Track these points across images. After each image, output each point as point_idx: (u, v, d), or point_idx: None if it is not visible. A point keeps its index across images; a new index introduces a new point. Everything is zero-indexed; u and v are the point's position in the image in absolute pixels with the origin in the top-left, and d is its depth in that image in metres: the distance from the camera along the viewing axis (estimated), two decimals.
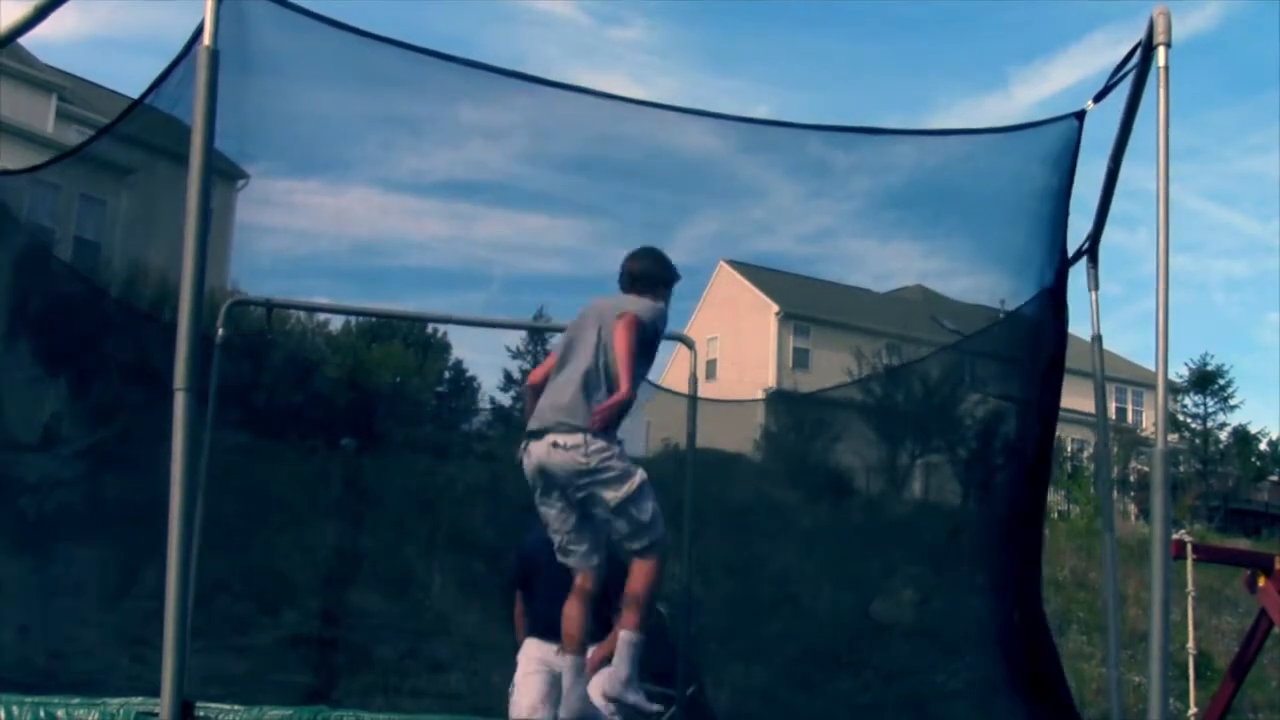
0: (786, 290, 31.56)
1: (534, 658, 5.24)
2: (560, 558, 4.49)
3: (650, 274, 4.60)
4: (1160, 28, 3.91)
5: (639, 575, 4.32)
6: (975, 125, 5.31)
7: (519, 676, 5.24)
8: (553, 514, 4.40)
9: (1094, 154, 4.99)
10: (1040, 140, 5.00)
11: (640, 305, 4.44)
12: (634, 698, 4.33)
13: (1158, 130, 3.86)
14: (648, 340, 4.47)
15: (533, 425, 4.36)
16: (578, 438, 4.21)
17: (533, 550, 5.49)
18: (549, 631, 5.04)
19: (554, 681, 4.97)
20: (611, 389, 4.33)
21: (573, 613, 4.44)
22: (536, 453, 4.31)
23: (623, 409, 4.29)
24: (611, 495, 4.24)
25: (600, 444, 4.24)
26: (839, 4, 69.69)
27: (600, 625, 4.83)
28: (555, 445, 4.25)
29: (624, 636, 4.34)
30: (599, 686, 4.44)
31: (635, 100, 4.87)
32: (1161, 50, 3.90)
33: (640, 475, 4.31)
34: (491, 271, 8.84)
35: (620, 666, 4.31)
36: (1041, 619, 6.01)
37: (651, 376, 8.65)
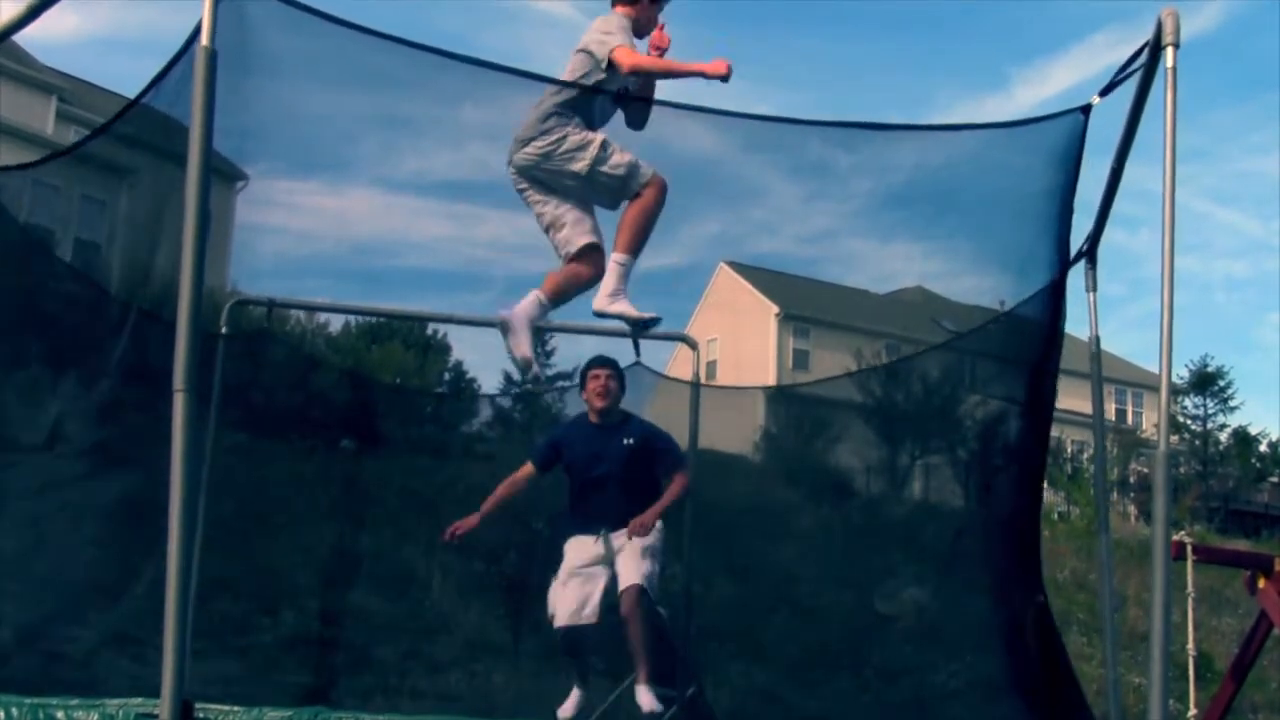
0: (786, 291, 31.57)
1: (571, 565, 5.78)
2: (560, 250, 4.68)
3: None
4: (1169, 28, 3.91)
5: (641, 202, 4.54)
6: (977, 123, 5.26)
7: (556, 587, 5.57)
8: (546, 213, 4.64)
9: (1094, 155, 4.99)
10: (1045, 136, 4.98)
11: (604, 24, 4.57)
12: (618, 307, 4.61)
13: (1164, 131, 3.85)
14: (626, 29, 4.61)
15: (518, 138, 4.61)
16: (533, 131, 4.49)
17: (567, 440, 6.17)
18: (585, 526, 5.76)
19: (589, 586, 5.61)
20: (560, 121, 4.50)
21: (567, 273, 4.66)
22: (515, 176, 4.63)
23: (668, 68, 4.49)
24: (579, 166, 4.47)
25: (551, 123, 4.47)
26: (839, 4, 69.67)
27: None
28: (523, 147, 4.53)
29: (615, 256, 4.59)
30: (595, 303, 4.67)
31: (634, 97, 4.85)
32: (1170, 51, 3.89)
33: (600, 135, 4.52)
34: (493, 272, 8.85)
35: (608, 281, 4.58)
36: (1048, 617, 6.00)
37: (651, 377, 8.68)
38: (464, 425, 11.40)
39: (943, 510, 9.63)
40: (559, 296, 4.68)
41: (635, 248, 4.60)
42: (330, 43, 4.37)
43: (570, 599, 5.67)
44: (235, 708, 4.31)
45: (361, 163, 6.44)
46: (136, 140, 5.81)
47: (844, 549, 9.18)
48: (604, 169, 4.49)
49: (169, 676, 3.34)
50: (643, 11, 4.70)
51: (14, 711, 4.04)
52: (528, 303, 4.60)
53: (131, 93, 4.90)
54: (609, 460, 6.10)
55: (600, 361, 6.36)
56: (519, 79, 4.65)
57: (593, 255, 4.68)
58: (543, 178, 4.59)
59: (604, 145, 4.51)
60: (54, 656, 6.61)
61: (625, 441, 6.17)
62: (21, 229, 6.64)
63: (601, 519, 5.97)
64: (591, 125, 4.61)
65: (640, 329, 4.86)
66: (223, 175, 6.06)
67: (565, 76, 4.61)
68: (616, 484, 6.07)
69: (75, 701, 4.05)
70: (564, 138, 4.48)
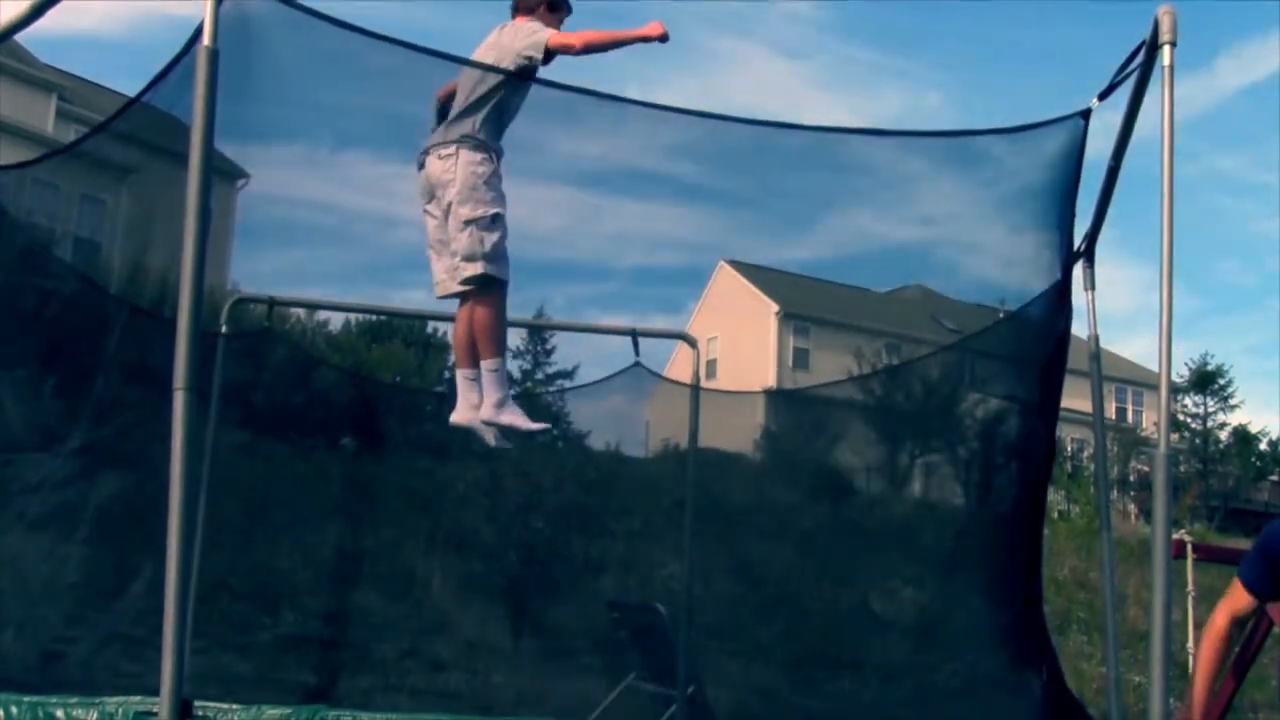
0: (787, 290, 31.57)
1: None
2: (431, 269, 4.70)
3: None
4: (1165, 27, 3.90)
5: (480, 315, 4.57)
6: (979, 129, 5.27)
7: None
8: (431, 224, 4.64)
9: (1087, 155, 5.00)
10: (1045, 140, 4.98)
11: (538, 29, 4.54)
12: (507, 418, 4.60)
13: (1162, 129, 3.85)
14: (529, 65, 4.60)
15: (427, 143, 4.63)
16: (451, 149, 4.48)
17: None
18: None
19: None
20: (488, 107, 4.51)
21: (458, 330, 4.72)
22: (424, 172, 4.61)
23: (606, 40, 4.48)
24: (466, 211, 4.47)
25: (475, 157, 4.49)
26: None
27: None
28: (437, 157, 4.52)
29: (484, 365, 4.60)
30: (475, 416, 4.68)
31: (637, 102, 4.86)
32: (1166, 49, 3.89)
33: (499, 209, 4.54)
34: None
35: (490, 393, 4.58)
36: (1041, 619, 6.00)
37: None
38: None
39: (945, 509, 9.63)
40: (499, 352, 4.66)
41: (500, 350, 4.65)
42: (331, 42, 4.37)
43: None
44: (234, 706, 4.31)
45: (361, 162, 6.44)
46: (137, 139, 5.81)
47: (844, 549, 9.18)
48: (479, 231, 4.48)
49: (168, 675, 3.34)
50: (544, 19, 4.69)
51: (13, 710, 4.04)
52: (489, 394, 4.59)
53: (132, 92, 4.90)
54: None
55: None
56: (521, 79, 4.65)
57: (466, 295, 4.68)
58: (437, 194, 4.59)
59: (495, 218, 4.53)
60: (53, 655, 6.62)
61: None
62: (21, 228, 6.64)
63: None
64: (500, 131, 4.61)
65: (529, 439, 4.89)
66: (224, 174, 6.07)
67: (482, 88, 4.57)
68: None
69: (74, 700, 4.05)
70: (476, 175, 4.49)
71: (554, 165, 6.00)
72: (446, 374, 20.59)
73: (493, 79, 4.53)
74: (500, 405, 4.58)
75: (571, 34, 4.52)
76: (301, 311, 15.19)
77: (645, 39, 4.44)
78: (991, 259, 6.27)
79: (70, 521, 7.01)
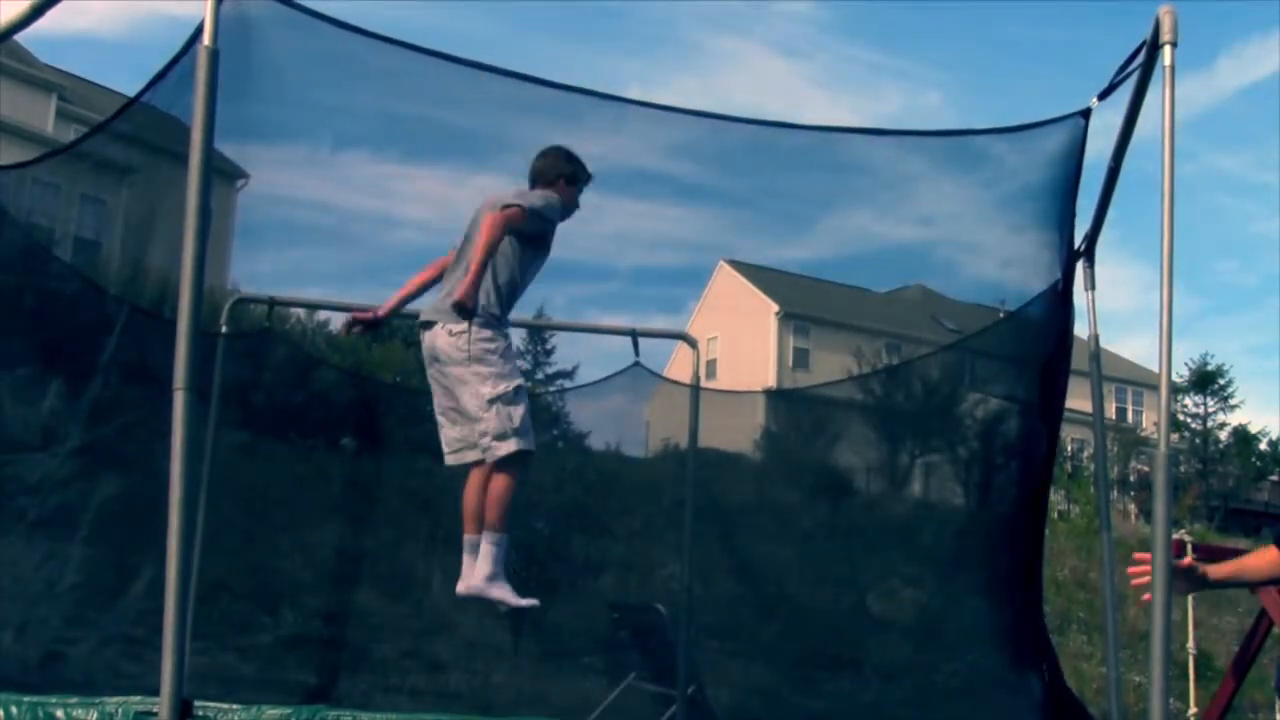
0: (787, 290, 31.57)
1: None
2: (441, 433, 4.69)
3: (548, 170, 4.69)
4: (1166, 27, 3.90)
5: (499, 482, 4.51)
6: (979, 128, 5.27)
7: None
8: (439, 390, 4.63)
9: (1087, 155, 5.00)
10: (1045, 139, 4.98)
11: (530, 196, 4.53)
12: (498, 593, 4.56)
13: (1163, 129, 3.84)
14: (536, 231, 4.57)
15: (426, 316, 4.59)
16: (463, 325, 4.41)
17: None
18: None
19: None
20: (501, 281, 4.51)
21: (469, 495, 4.67)
22: (428, 339, 4.56)
23: (475, 288, 4.36)
24: (489, 390, 4.42)
25: (486, 334, 4.44)
26: None
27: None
28: (446, 332, 4.46)
29: (485, 536, 4.57)
30: (466, 582, 4.66)
31: (637, 102, 4.88)
32: (1167, 49, 3.89)
33: (519, 381, 4.52)
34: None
35: (483, 564, 4.55)
36: (1041, 619, 6.01)
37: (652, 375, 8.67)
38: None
39: (945, 509, 9.63)
40: (504, 527, 4.63)
41: (504, 525, 4.60)
42: (331, 43, 4.37)
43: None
44: (234, 706, 4.31)
45: (361, 162, 6.44)
46: (137, 139, 5.81)
47: (844, 548, 9.18)
48: (505, 408, 4.43)
49: (168, 674, 3.34)
50: (561, 192, 4.69)
51: (13, 710, 4.04)
52: (483, 565, 4.56)
53: (131, 91, 4.90)
54: None
55: None
56: (518, 81, 4.66)
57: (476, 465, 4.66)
58: (447, 368, 4.54)
59: (519, 390, 4.50)
60: (53, 655, 6.61)
61: None
62: (22, 228, 6.64)
63: None
64: (510, 306, 4.60)
65: (517, 614, 4.90)
66: (223, 174, 6.07)
67: (474, 230, 4.53)
68: None
69: (74, 700, 4.05)
70: (491, 353, 4.45)
71: None
72: None
73: (506, 251, 4.48)
74: (491, 579, 4.55)
75: (498, 225, 4.38)
76: (301, 311, 15.18)
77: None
78: (991, 259, 6.27)
79: (70, 521, 7.01)
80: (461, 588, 4.66)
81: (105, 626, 6.90)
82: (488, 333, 4.45)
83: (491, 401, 4.42)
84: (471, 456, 4.59)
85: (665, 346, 10.13)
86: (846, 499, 10.01)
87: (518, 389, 4.49)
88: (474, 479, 4.66)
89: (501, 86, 4.82)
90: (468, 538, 4.67)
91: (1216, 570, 3.54)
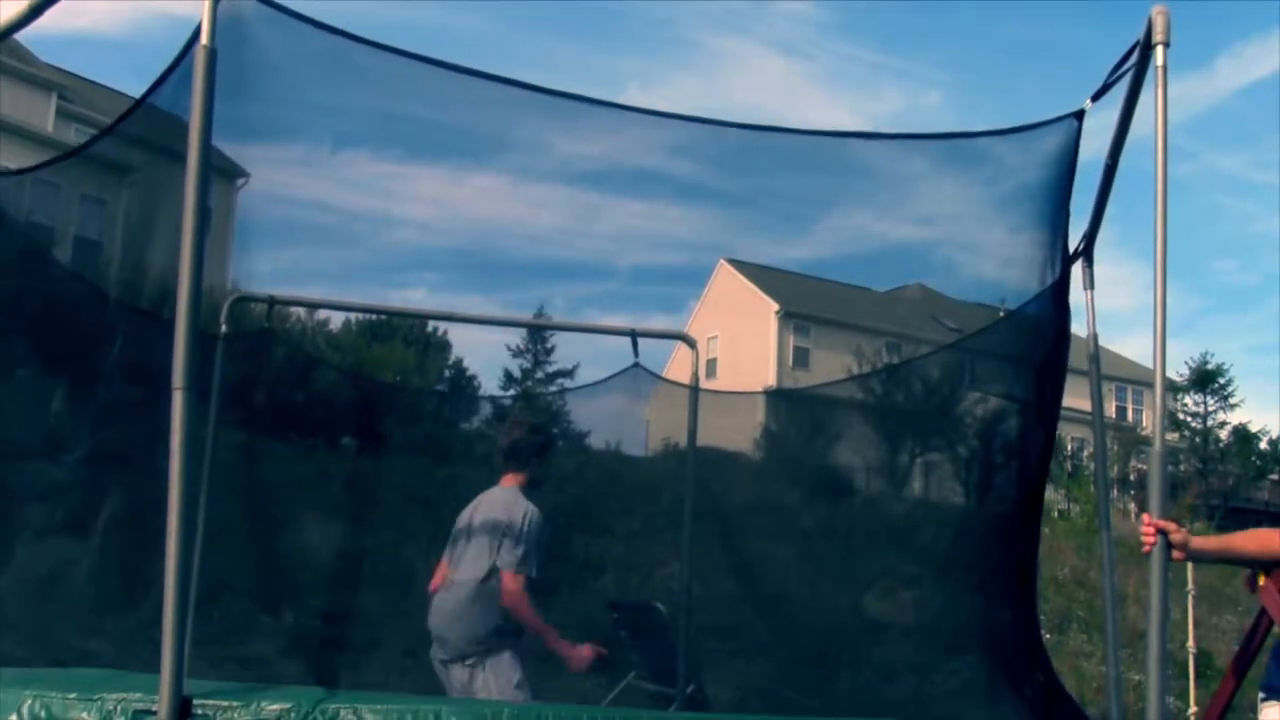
0: (787, 289, 31.58)
1: None
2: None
3: (520, 446, 5.00)
4: (1159, 27, 3.91)
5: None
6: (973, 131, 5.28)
7: None
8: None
9: (1086, 154, 5.02)
10: (1040, 140, 5.00)
11: (518, 539, 4.76)
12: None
13: (1156, 129, 3.86)
14: (540, 542, 4.88)
15: (444, 655, 4.91)
16: (472, 659, 4.76)
17: None
18: None
19: None
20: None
21: None
22: (453, 675, 4.87)
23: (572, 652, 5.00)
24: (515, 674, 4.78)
25: (506, 662, 4.77)
26: None
27: None
28: (461, 669, 4.79)
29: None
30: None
31: (640, 109, 4.88)
32: (1160, 49, 3.90)
33: (519, 675, 4.78)
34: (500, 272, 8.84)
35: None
36: (1035, 620, 6.02)
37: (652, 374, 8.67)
38: (464, 424, 11.41)
39: (945, 509, 9.64)
40: None
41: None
42: (331, 44, 4.38)
43: None
44: (234, 703, 4.31)
45: (361, 162, 6.44)
46: (137, 139, 5.81)
47: (844, 548, 9.19)
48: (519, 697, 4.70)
49: (168, 673, 3.35)
50: (540, 468, 5.02)
51: (13, 710, 4.04)
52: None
53: (133, 90, 4.91)
54: None
55: None
56: (516, 89, 4.68)
57: None
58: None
59: (520, 684, 4.79)
60: (52, 653, 6.61)
61: None
62: (21, 229, 6.64)
63: None
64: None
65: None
66: (223, 173, 6.07)
67: (472, 542, 4.88)
68: None
69: (74, 696, 4.05)
70: (495, 672, 4.75)
71: (553, 165, 6.00)
72: (447, 373, 20.61)
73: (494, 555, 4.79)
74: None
75: (518, 595, 4.75)
76: (301, 311, 15.19)
77: (569, 660, 4.95)
78: (991, 258, 6.28)
79: (70, 521, 7.01)
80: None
81: (105, 625, 6.91)
82: (505, 658, 4.81)
83: (517, 688, 4.76)
84: None
85: (665, 346, 10.14)
86: (846, 498, 10.01)
87: (519, 683, 4.79)
88: None
89: (501, 87, 4.82)
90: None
91: (1203, 542, 3.57)
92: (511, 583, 4.67)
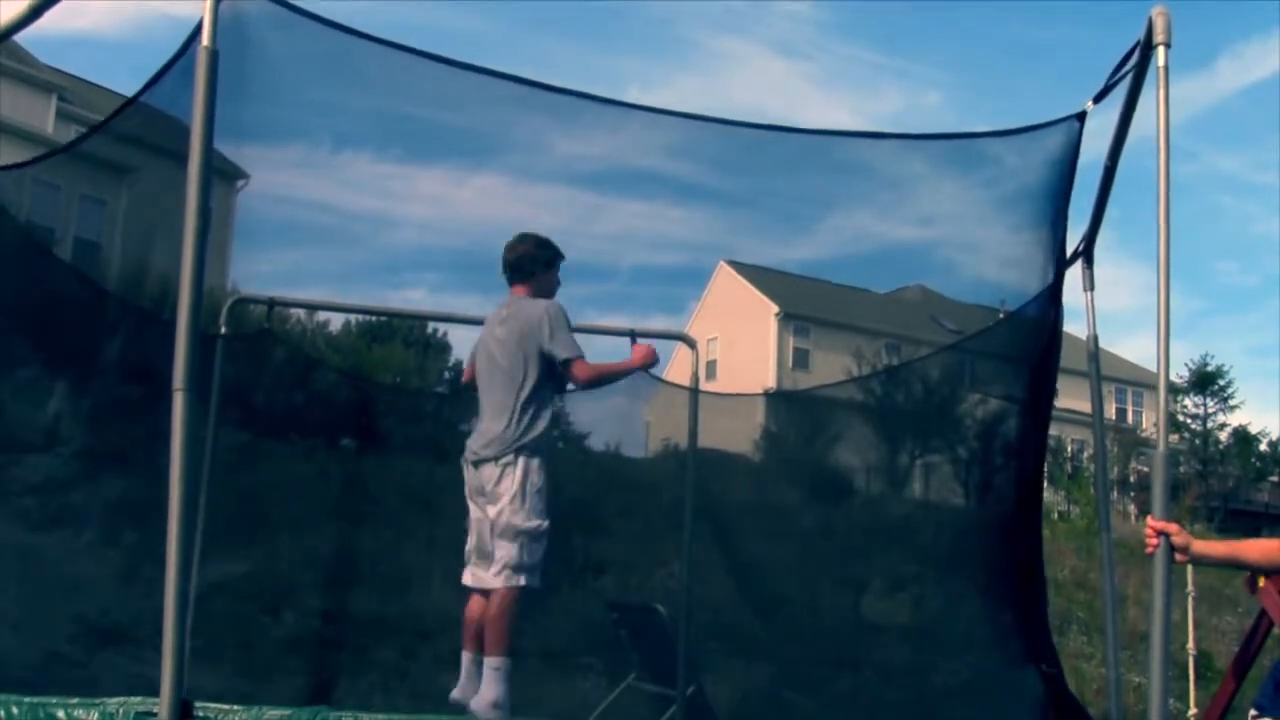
0: (786, 290, 31.57)
1: None
2: (467, 561, 4.91)
3: (526, 259, 4.98)
4: (1159, 28, 3.91)
5: (499, 612, 4.74)
6: (974, 131, 5.29)
7: None
8: (474, 532, 4.89)
9: (1085, 156, 5.02)
10: (1041, 142, 5.00)
11: (563, 330, 4.86)
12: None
13: (1157, 130, 3.86)
14: (568, 322, 4.94)
15: (467, 454, 4.89)
16: (511, 456, 4.71)
17: None
18: None
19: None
20: (539, 410, 4.82)
21: (469, 614, 4.91)
22: (477, 476, 4.85)
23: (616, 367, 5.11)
24: (519, 521, 4.68)
25: (532, 465, 4.71)
26: None
27: None
28: (494, 463, 4.74)
29: (488, 662, 4.76)
30: (468, 697, 4.83)
31: (639, 106, 4.88)
32: (1161, 50, 3.90)
33: (546, 522, 4.74)
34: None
35: (487, 690, 4.73)
36: (1043, 620, 6.01)
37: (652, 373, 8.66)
38: (464, 425, 11.39)
39: (945, 510, 9.64)
40: (505, 653, 4.79)
41: (506, 650, 4.78)
42: (331, 44, 4.37)
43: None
44: (235, 707, 4.31)
45: (361, 162, 6.44)
46: (136, 139, 5.81)
47: (844, 548, 9.18)
48: (525, 543, 4.69)
49: (168, 675, 3.34)
50: (547, 280, 5.01)
51: (14, 710, 4.04)
52: (486, 691, 4.75)
53: (131, 92, 4.91)
54: None
55: None
56: (516, 87, 4.68)
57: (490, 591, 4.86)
58: (481, 499, 4.83)
59: (544, 532, 4.73)
60: (53, 655, 6.61)
61: None
62: (21, 228, 6.64)
63: None
64: (549, 420, 4.88)
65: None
66: (223, 174, 6.07)
67: (500, 357, 4.87)
68: None
69: (75, 700, 4.05)
70: (523, 492, 4.71)
71: (554, 165, 6.00)
72: (447, 374, 20.59)
73: (529, 366, 4.80)
74: (495, 707, 4.71)
75: (587, 367, 4.90)
76: (301, 312, 15.18)
77: (640, 369, 5.10)
78: (991, 259, 6.28)
79: (70, 521, 7.01)
80: (458, 695, 4.84)
81: (106, 626, 6.90)
82: (534, 462, 4.73)
83: (518, 534, 4.67)
84: (489, 584, 4.78)
85: (665, 347, 10.13)
86: (846, 499, 10.01)
87: (544, 531, 4.73)
88: (476, 603, 4.89)
89: (502, 86, 4.83)
90: (466, 654, 4.90)
91: (1207, 547, 3.58)
92: (579, 370, 4.80)
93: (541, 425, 4.79)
